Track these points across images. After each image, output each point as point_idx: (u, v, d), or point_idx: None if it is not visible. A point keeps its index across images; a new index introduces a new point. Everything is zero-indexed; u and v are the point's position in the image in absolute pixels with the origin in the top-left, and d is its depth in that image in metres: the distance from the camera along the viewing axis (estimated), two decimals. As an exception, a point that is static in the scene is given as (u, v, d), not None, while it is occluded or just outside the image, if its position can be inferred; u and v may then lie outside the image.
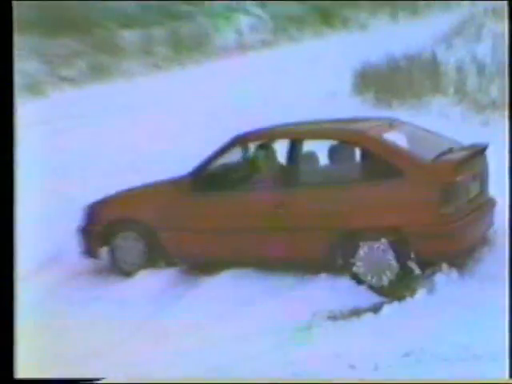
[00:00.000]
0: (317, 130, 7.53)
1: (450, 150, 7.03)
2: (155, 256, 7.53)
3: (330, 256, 6.87)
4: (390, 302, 6.39)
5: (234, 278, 7.05)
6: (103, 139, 13.74)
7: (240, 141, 7.57)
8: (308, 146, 7.35)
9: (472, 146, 7.24)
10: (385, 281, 6.69)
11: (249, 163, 7.70)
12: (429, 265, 6.69)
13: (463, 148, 7.19)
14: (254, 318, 6.27)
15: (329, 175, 7.23)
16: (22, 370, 5.22)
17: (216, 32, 23.24)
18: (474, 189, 7.03)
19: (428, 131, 7.48)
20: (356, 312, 6.31)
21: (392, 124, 7.37)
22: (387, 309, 6.28)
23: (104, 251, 7.85)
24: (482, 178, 7.23)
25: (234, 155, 7.66)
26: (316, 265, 6.95)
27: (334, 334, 5.96)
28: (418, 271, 6.62)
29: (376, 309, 6.31)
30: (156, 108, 15.98)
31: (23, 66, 21.55)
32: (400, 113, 13.14)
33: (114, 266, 7.74)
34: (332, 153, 7.24)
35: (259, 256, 7.15)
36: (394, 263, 6.65)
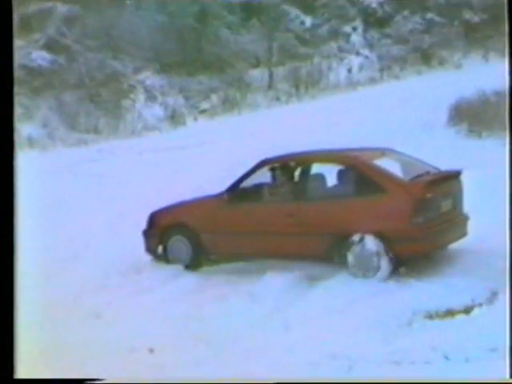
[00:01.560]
0: (321, 156, 8.33)
1: (427, 173, 7.71)
2: (197, 253, 8.34)
3: (328, 255, 7.56)
4: (480, 305, 6.49)
5: (346, 280, 7.27)
6: (233, 162, 14.13)
7: (264, 164, 8.24)
8: (319, 168, 8.13)
9: (447, 171, 7.90)
10: (370, 274, 7.33)
11: (272, 181, 8.35)
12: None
13: (439, 172, 7.84)
14: (362, 315, 6.40)
15: (330, 192, 8.06)
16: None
17: (330, 71, 23.43)
18: (446, 205, 7.62)
19: (415, 159, 8.07)
20: (450, 313, 6.39)
21: (384, 152, 8.08)
22: (477, 310, 6.36)
23: (160, 249, 8.59)
24: (455, 197, 7.83)
25: (264, 175, 8.31)
26: (318, 261, 7.64)
27: (430, 331, 6.02)
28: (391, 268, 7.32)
29: (467, 311, 6.39)
30: (277, 135, 16.22)
31: (168, 100, 22.39)
32: (489, 142, 13.14)
33: (167, 261, 8.49)
34: (338, 175, 7.95)
35: (275, 253, 7.90)
36: (376, 260, 7.33)
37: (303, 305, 6.84)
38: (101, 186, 13.85)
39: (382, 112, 17.31)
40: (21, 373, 5.07)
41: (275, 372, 5.48)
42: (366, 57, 24.16)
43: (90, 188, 13.72)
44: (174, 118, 21.60)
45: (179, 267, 8.36)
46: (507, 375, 5.08)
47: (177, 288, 7.75)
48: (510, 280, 5.82)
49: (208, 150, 16.23)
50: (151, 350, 6.10)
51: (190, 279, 8.04)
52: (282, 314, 6.71)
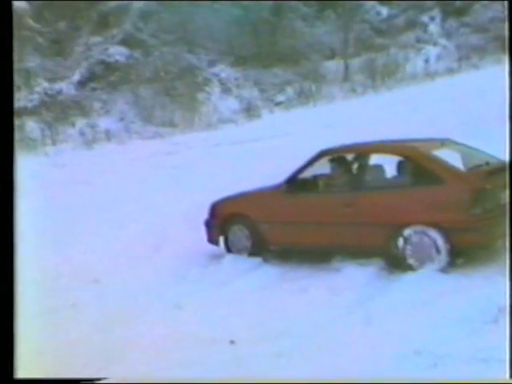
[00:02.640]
0: (379, 147, 8.24)
1: (487, 164, 7.59)
2: (257, 243, 8.43)
3: (385, 245, 7.51)
4: None
5: (428, 274, 7.15)
6: (308, 154, 14.07)
7: (323, 155, 8.23)
8: (379, 160, 8.07)
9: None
10: (427, 265, 7.27)
11: (331, 172, 8.34)
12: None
13: (500, 163, 7.59)
14: (446, 310, 6.26)
15: (388, 183, 8.03)
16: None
17: (406, 61, 23.13)
18: (506, 197, 7.30)
19: (475, 149, 7.97)
20: (539, 309, 6.23)
21: (444, 143, 8.01)
22: None
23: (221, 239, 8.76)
24: None
25: (324, 166, 8.30)
26: (375, 252, 7.61)
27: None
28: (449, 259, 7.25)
29: (555, 308, 6.20)
30: (353, 127, 16.07)
31: (243, 93, 22.47)
32: None
33: (227, 251, 8.63)
34: (397, 166, 7.92)
35: (332, 243, 7.90)
36: (433, 251, 7.27)
37: (385, 299, 6.74)
38: (177, 177, 13.98)
39: (461, 103, 16.93)
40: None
41: (357, 366, 5.41)
42: (444, 46, 23.75)
43: (166, 180, 13.87)
44: (250, 111, 21.68)
45: (258, 260, 8.36)
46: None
47: (256, 280, 7.78)
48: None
49: (283, 142, 16.20)
50: (232, 342, 6.12)
51: (269, 272, 8.04)
52: (363, 307, 6.62)
